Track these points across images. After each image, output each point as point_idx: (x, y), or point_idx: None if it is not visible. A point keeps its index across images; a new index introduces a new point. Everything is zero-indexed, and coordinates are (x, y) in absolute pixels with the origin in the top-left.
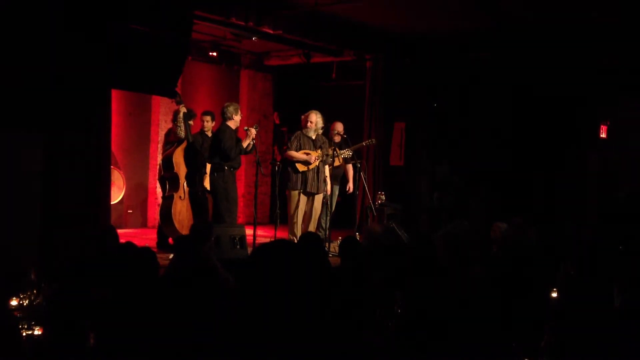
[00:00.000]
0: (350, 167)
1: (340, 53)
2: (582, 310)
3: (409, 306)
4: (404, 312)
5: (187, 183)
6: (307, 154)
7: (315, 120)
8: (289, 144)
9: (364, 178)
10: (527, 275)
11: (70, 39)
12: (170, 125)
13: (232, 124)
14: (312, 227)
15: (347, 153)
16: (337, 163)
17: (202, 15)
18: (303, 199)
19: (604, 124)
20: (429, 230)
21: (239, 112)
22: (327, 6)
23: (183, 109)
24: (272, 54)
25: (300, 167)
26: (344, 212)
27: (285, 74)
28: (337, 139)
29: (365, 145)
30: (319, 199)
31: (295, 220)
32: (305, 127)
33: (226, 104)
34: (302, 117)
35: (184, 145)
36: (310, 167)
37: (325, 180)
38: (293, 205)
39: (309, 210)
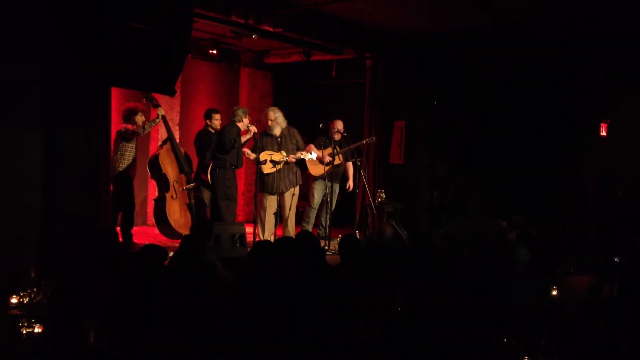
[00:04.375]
0: (350, 165)
1: (340, 51)
2: (582, 309)
3: (409, 305)
4: (404, 312)
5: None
6: (271, 154)
7: (274, 116)
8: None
9: (364, 176)
10: (527, 274)
11: (71, 38)
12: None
13: (241, 125)
14: (290, 225)
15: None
16: (337, 161)
17: (202, 13)
18: (271, 200)
19: (604, 123)
20: (428, 228)
21: (247, 116)
22: (327, 4)
23: (161, 112)
24: (272, 52)
25: (266, 170)
26: (344, 210)
27: (285, 72)
28: (338, 137)
29: (365, 144)
30: (287, 196)
31: (263, 222)
32: (268, 125)
33: (236, 107)
34: (261, 117)
35: (168, 146)
36: (277, 167)
37: (296, 174)
38: (260, 207)
39: (282, 208)
